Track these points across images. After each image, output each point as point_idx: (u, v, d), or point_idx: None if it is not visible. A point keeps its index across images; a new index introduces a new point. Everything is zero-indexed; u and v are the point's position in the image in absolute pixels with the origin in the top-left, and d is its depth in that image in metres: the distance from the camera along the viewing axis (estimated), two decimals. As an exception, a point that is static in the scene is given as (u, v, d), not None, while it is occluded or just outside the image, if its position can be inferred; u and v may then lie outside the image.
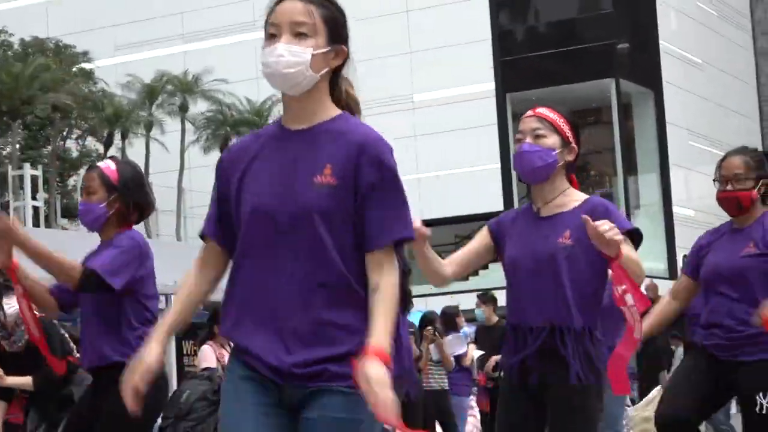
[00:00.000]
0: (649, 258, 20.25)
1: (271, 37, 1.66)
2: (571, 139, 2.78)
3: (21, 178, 22.80)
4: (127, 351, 2.84)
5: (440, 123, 24.93)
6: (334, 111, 1.72)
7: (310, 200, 1.65)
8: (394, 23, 26.91)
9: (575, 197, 2.78)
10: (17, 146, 23.99)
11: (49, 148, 25.11)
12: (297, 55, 1.61)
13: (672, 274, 23.11)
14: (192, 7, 27.73)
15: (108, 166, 3.25)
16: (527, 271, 2.69)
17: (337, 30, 1.71)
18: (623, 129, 26.31)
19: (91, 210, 3.17)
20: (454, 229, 24.52)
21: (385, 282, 1.65)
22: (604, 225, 2.30)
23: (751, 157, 3.59)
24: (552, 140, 2.71)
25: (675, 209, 26.62)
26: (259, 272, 1.70)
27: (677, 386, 3.72)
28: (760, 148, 4.12)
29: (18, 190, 22.93)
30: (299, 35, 1.63)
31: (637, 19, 26.88)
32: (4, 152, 22.96)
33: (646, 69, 26.54)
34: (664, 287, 6.58)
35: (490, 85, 26.25)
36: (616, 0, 26.19)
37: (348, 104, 1.82)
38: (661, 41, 26.95)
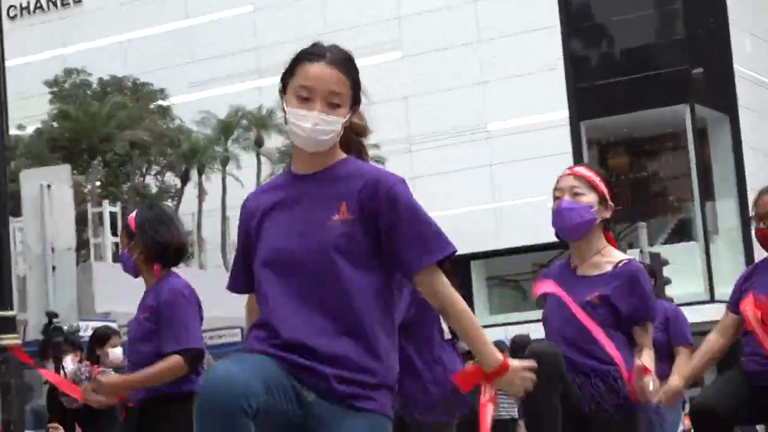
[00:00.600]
0: (728, 283, 20.10)
1: (304, 100, 1.75)
2: (607, 197, 2.93)
3: (100, 215, 23.23)
4: (178, 382, 3.08)
5: (515, 152, 25.17)
6: (341, 155, 1.84)
7: (329, 238, 1.74)
8: (466, 53, 27.39)
9: (611, 257, 2.97)
10: (97, 183, 24.50)
11: (129, 184, 25.75)
12: (331, 125, 1.73)
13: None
14: (264, 43, 28.42)
15: (132, 214, 3.49)
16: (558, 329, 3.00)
17: (357, 93, 1.85)
18: (699, 154, 26.29)
19: (123, 259, 3.41)
20: (532, 257, 24.70)
21: (446, 298, 1.79)
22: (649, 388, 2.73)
23: None
24: (589, 198, 2.89)
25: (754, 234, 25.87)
26: (282, 308, 1.78)
27: (719, 384, 3.89)
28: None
29: (98, 226, 23.32)
30: (333, 105, 1.74)
31: (711, 43, 27.09)
32: (85, 190, 23.43)
33: (721, 93, 26.60)
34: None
35: (564, 113, 26.58)
36: (689, 25, 26.42)
37: (354, 147, 2.04)
38: (735, 65, 27.10)
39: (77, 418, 6.34)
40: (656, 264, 14.19)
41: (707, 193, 26.62)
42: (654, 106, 25.50)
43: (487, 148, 26.55)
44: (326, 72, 1.75)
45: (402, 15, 28.15)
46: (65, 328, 7.98)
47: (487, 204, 25.86)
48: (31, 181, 9.92)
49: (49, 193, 9.19)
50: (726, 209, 26.71)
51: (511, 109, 25.99)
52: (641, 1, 27.66)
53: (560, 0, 27.17)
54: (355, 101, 1.88)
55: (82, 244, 21.99)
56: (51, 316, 7.58)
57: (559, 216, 2.94)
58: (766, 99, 28.15)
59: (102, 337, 6.69)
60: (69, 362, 7.11)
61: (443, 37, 26.59)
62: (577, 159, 25.27)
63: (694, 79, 26.00)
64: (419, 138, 27.10)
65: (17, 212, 11.23)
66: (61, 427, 5.19)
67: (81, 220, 24.25)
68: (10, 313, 6.85)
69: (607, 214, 2.94)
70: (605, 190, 3.01)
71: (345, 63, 1.83)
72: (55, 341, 7.07)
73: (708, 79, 26.38)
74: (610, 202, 2.96)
